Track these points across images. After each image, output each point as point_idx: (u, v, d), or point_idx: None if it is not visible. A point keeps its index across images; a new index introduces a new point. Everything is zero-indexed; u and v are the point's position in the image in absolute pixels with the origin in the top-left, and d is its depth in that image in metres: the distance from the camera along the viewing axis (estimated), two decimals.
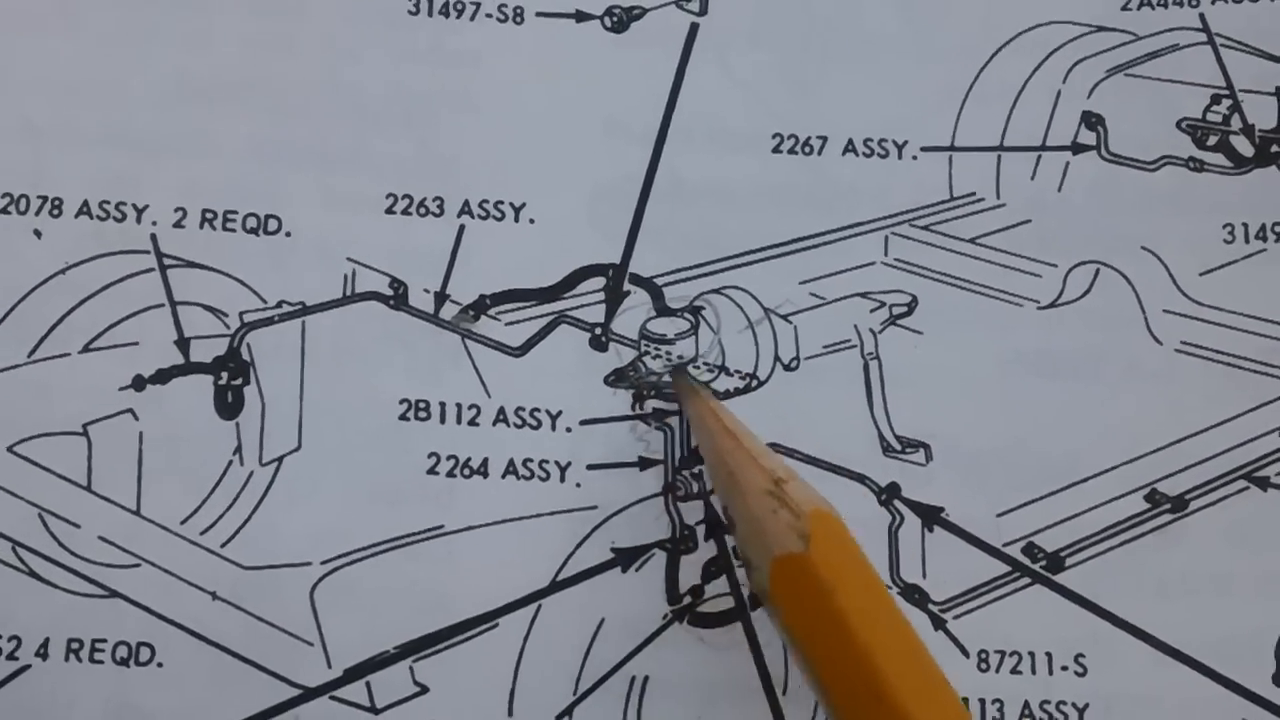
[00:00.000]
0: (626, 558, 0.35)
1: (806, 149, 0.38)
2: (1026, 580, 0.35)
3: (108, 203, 0.36)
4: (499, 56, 0.38)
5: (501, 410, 0.35)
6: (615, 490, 0.35)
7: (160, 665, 0.33)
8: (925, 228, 0.37)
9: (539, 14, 0.38)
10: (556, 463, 0.35)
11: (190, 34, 0.37)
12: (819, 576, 0.28)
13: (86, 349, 0.35)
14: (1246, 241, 0.37)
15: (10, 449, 0.34)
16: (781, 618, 0.29)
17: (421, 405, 0.35)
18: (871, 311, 0.37)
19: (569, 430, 0.35)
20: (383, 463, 0.35)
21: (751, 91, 0.38)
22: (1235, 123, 0.38)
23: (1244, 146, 0.38)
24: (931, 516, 0.35)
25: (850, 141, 0.38)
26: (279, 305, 0.35)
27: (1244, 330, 0.37)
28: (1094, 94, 0.38)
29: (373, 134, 0.37)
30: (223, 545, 0.34)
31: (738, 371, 0.36)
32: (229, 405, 0.35)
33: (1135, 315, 0.37)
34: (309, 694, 0.33)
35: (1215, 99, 0.38)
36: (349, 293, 0.36)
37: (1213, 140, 0.38)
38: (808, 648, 0.28)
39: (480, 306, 0.36)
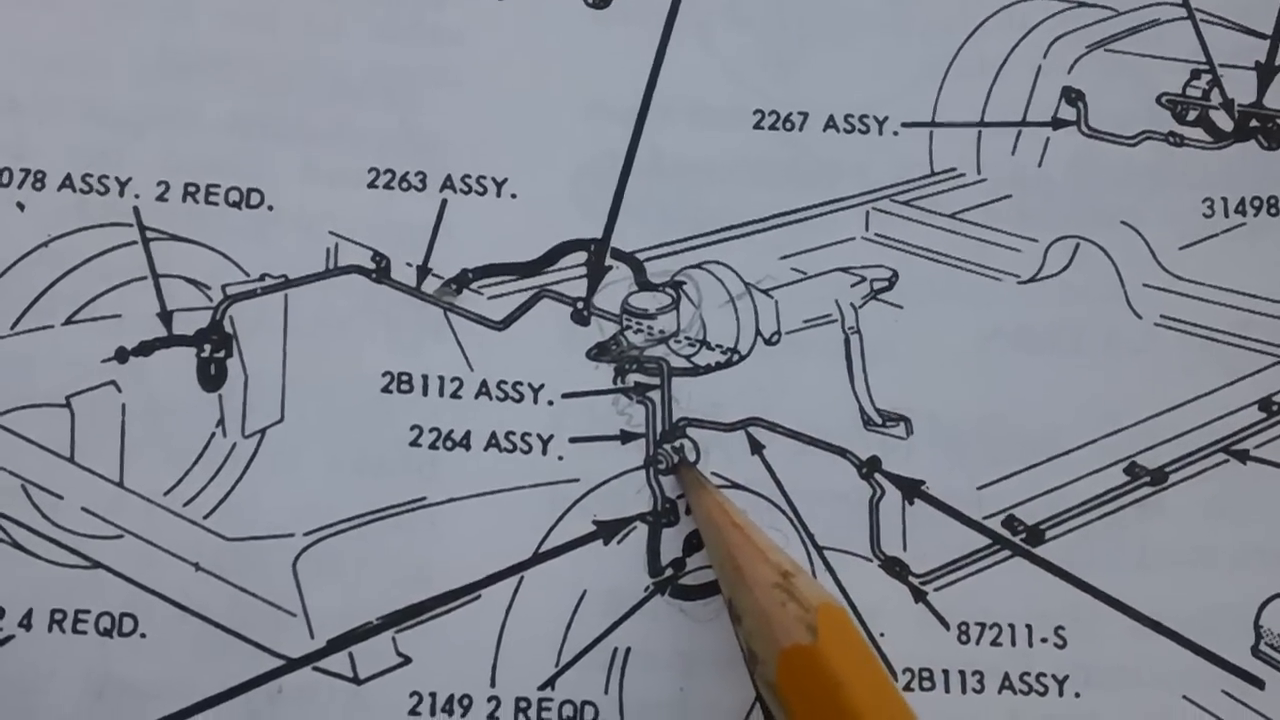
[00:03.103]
0: (608, 530, 0.35)
1: (788, 125, 0.38)
2: (1007, 553, 0.35)
3: (90, 176, 0.36)
4: (480, 32, 0.38)
5: (484, 383, 0.35)
6: (597, 463, 0.35)
7: (143, 636, 0.33)
8: (906, 203, 0.37)
9: None
10: (539, 435, 0.35)
11: (172, 8, 0.37)
12: (829, 669, 0.28)
13: (69, 321, 0.35)
14: (1226, 216, 0.38)
15: None
16: (787, 710, 0.29)
17: (404, 378, 0.35)
18: (852, 286, 0.37)
19: (551, 403, 0.35)
20: (365, 435, 0.35)
21: (732, 68, 0.38)
22: (1215, 98, 0.38)
23: (1223, 121, 0.38)
24: (912, 490, 0.35)
25: (831, 118, 0.38)
26: (261, 278, 0.36)
27: (1223, 304, 0.37)
28: (1074, 69, 0.38)
29: (355, 109, 0.37)
30: (205, 517, 0.34)
31: (719, 346, 0.36)
32: (212, 377, 0.35)
33: (1115, 289, 0.37)
34: (292, 665, 0.33)
35: (1195, 74, 0.38)
36: (331, 266, 0.36)
37: (1192, 115, 0.38)
38: None
39: (462, 280, 0.36)
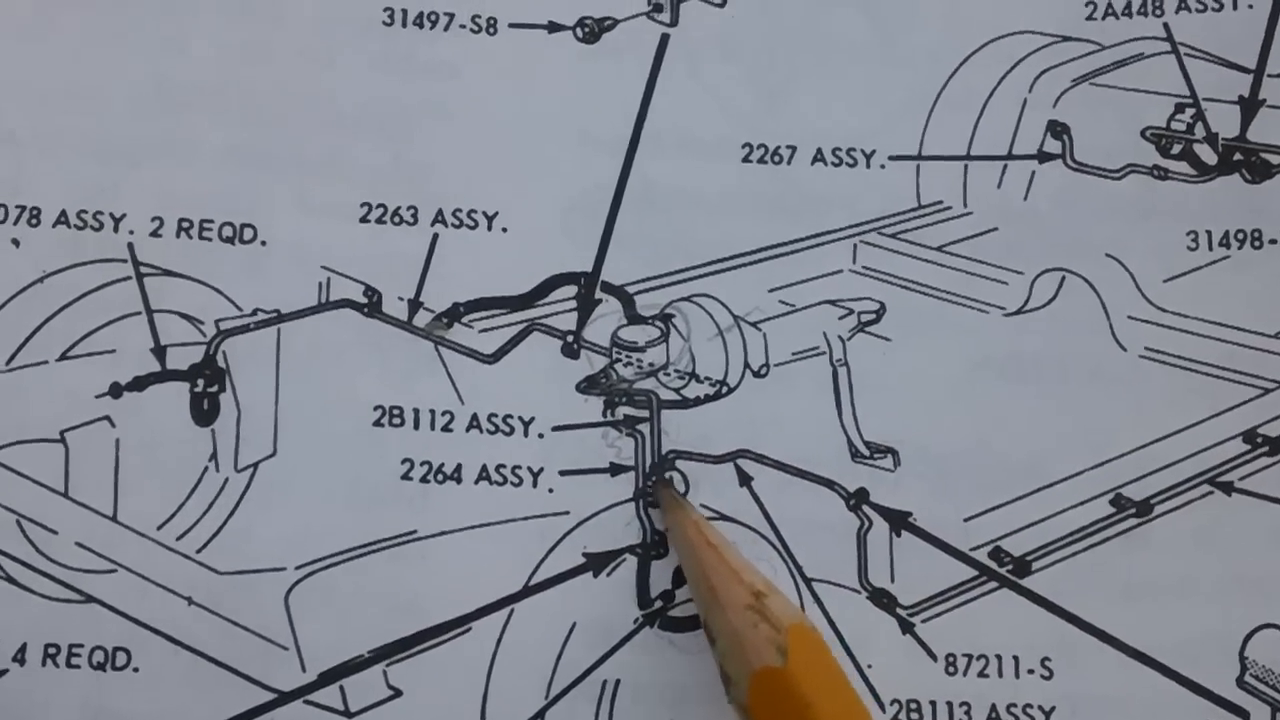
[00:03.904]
0: (598, 563, 0.35)
1: (776, 158, 0.38)
2: (994, 584, 0.35)
3: (85, 212, 0.36)
4: (473, 67, 0.38)
5: (474, 416, 0.36)
6: (587, 496, 0.35)
7: (136, 670, 0.33)
8: (893, 236, 0.38)
9: (512, 25, 0.39)
10: (529, 468, 0.35)
11: (166, 41, 0.37)
12: (798, 691, 0.29)
13: (64, 356, 0.35)
14: (1210, 249, 0.38)
15: None
16: None
17: (395, 411, 0.35)
18: (840, 319, 0.37)
19: (541, 436, 0.36)
20: (357, 468, 0.35)
21: (722, 101, 0.38)
22: (1199, 131, 0.38)
23: (1207, 155, 0.38)
24: (899, 521, 0.35)
25: (819, 151, 0.38)
26: (254, 313, 0.36)
27: (1207, 336, 0.37)
28: (1060, 103, 0.39)
29: (348, 143, 0.37)
30: (198, 550, 0.34)
31: (708, 379, 0.36)
32: (205, 412, 0.35)
33: (1100, 321, 0.37)
34: (283, 698, 0.33)
35: (1179, 108, 0.39)
36: (324, 300, 0.36)
37: (1177, 149, 0.38)
38: None
39: (453, 314, 0.36)
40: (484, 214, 0.37)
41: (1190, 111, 0.39)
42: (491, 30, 0.39)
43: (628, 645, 0.34)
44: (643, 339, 0.36)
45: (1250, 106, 0.39)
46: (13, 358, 0.35)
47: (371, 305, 0.36)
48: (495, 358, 0.36)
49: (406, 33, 0.38)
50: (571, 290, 0.37)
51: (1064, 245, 0.38)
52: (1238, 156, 0.38)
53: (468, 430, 0.36)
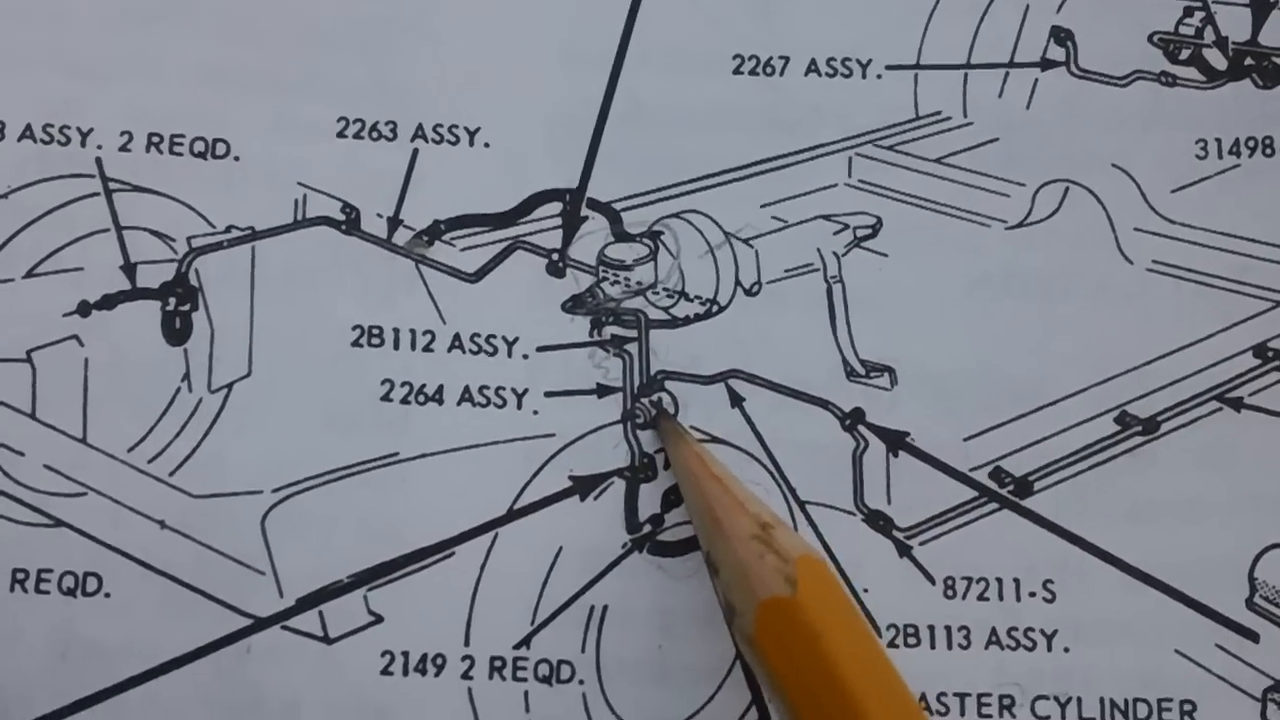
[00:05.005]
0: (585, 486, 0.34)
1: (768, 70, 0.37)
2: (994, 505, 0.34)
3: (51, 126, 0.35)
4: None
5: (457, 336, 0.35)
6: (573, 418, 0.34)
7: (108, 595, 0.33)
8: (890, 148, 0.37)
9: None
10: (513, 390, 0.34)
11: None
12: (806, 621, 0.28)
13: (30, 274, 0.34)
14: (1219, 157, 0.37)
15: None
16: (765, 663, 0.29)
17: (375, 331, 0.34)
18: (835, 234, 0.36)
19: (526, 357, 0.35)
20: (335, 389, 0.34)
21: (711, 12, 0.37)
22: (1208, 35, 0.37)
23: (1217, 60, 0.37)
24: (897, 441, 0.35)
25: (813, 61, 0.37)
26: (228, 230, 0.35)
27: (1217, 248, 0.36)
28: (1063, 8, 0.37)
29: (324, 57, 0.36)
30: (171, 474, 0.33)
31: (698, 297, 0.35)
32: (177, 331, 0.34)
33: (1105, 234, 0.36)
34: (260, 624, 0.33)
35: (1188, 11, 0.37)
36: (300, 218, 0.35)
37: (1185, 54, 0.37)
38: (793, 693, 0.28)
39: (434, 232, 0.35)
40: (465, 129, 0.36)
41: (1199, 15, 0.37)
42: None
43: (616, 570, 0.34)
44: (630, 257, 0.35)
45: (1261, 9, 0.37)
46: None
47: (349, 223, 0.35)
48: (477, 276, 0.35)
49: None
50: (556, 207, 0.36)
51: (1068, 156, 0.36)
52: (1249, 61, 0.37)
53: (449, 350, 0.35)
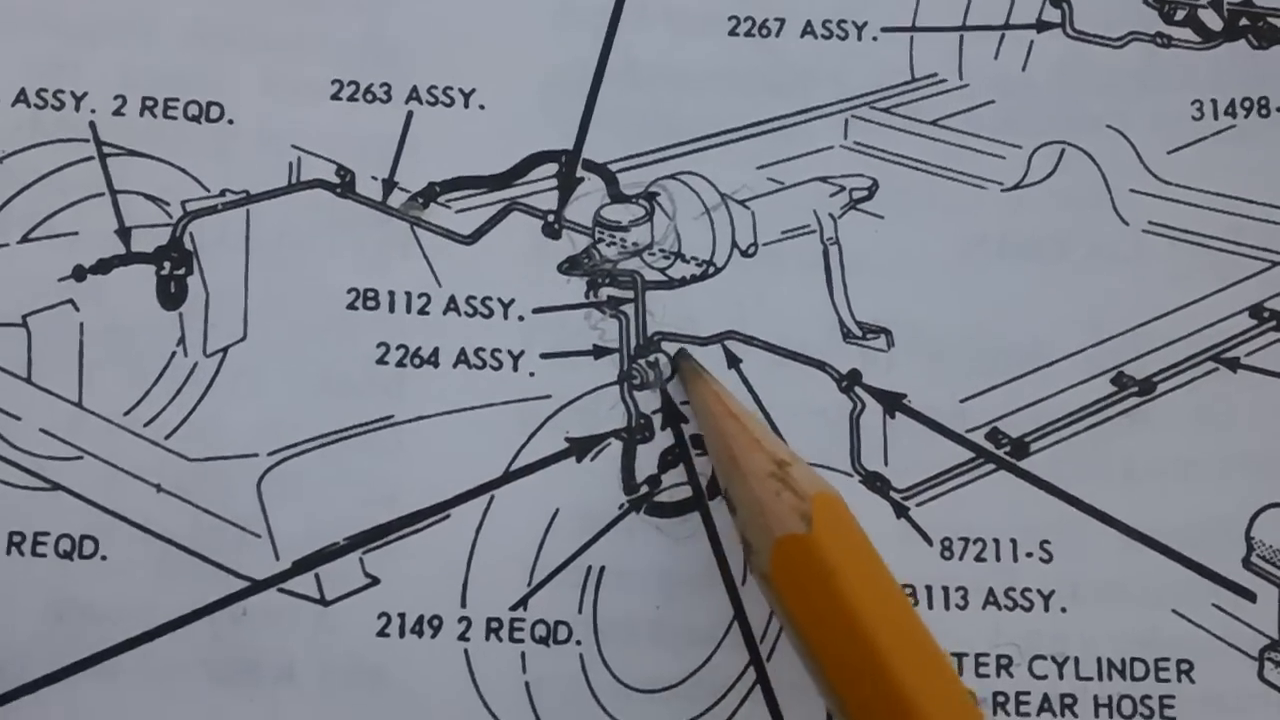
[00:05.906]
0: (581, 447, 0.34)
1: (764, 31, 0.37)
2: (990, 466, 0.34)
3: (45, 90, 0.35)
4: None
5: (452, 299, 0.35)
6: (569, 379, 0.34)
7: (104, 558, 0.32)
8: (886, 110, 0.36)
9: None
10: (509, 352, 0.34)
11: None
12: (822, 558, 0.28)
13: (25, 239, 0.34)
14: (1215, 118, 0.36)
15: None
16: (781, 600, 0.29)
17: (370, 294, 0.34)
18: (831, 196, 0.36)
19: (522, 319, 0.35)
20: (331, 352, 0.34)
21: None
22: None
23: (1212, 20, 0.37)
24: (893, 403, 0.35)
25: (809, 23, 0.37)
26: (222, 194, 0.35)
27: (1213, 209, 0.36)
28: None
29: (318, 18, 0.36)
30: (167, 437, 0.33)
31: (694, 258, 0.35)
32: (172, 295, 0.34)
33: (1101, 195, 0.36)
34: (257, 586, 0.33)
35: None
36: (294, 181, 0.35)
37: (1180, 15, 0.37)
38: (808, 629, 0.28)
39: (429, 194, 0.35)
40: (460, 91, 0.36)
41: None
42: None
43: (612, 531, 0.34)
44: (626, 218, 0.35)
45: None
46: None
47: (344, 185, 0.35)
48: (473, 238, 0.35)
49: None
50: (552, 169, 0.36)
51: (1064, 117, 0.36)
52: (1244, 21, 0.37)
53: (445, 313, 0.34)
